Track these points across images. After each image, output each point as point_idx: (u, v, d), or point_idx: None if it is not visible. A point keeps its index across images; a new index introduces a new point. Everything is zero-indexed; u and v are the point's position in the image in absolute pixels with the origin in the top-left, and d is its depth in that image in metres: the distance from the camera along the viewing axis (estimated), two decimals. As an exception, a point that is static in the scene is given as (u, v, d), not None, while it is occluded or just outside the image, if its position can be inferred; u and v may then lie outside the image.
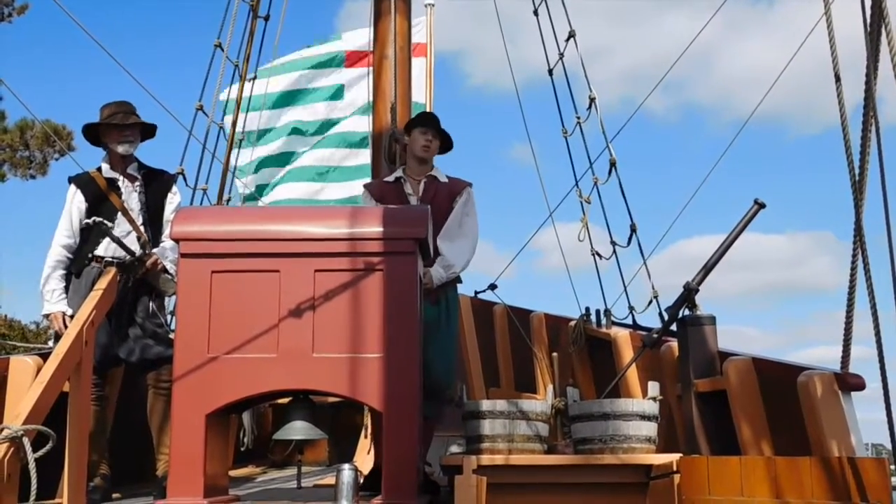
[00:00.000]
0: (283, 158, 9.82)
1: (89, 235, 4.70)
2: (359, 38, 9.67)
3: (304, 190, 9.72)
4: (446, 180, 4.81)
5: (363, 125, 9.39)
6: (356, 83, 9.63)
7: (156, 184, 4.99)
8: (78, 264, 4.73)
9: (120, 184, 4.86)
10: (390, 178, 4.83)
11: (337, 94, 9.86)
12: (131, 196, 4.87)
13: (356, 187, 8.41)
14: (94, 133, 4.93)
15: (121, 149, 4.85)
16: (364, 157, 9.32)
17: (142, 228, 4.79)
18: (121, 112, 4.88)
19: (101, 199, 4.77)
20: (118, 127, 4.84)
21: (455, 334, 4.75)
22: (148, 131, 5.03)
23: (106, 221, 4.61)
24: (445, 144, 4.88)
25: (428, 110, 5.29)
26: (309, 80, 9.83)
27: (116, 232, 4.73)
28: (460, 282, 4.81)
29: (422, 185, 4.74)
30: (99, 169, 4.88)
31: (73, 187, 4.82)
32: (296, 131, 9.80)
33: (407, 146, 4.87)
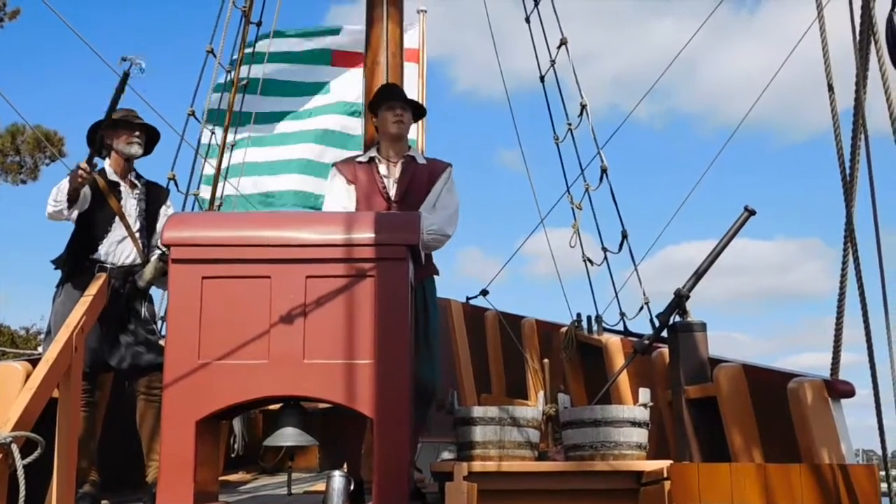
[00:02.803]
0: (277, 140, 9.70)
1: (85, 235, 4.67)
2: (355, 34, 9.63)
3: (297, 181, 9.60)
4: (424, 162, 4.64)
5: (348, 125, 9.41)
6: (340, 81, 9.63)
7: (154, 194, 4.99)
8: (73, 263, 4.68)
9: (121, 188, 4.83)
10: (363, 159, 4.63)
11: (324, 89, 9.83)
12: (129, 202, 4.83)
13: None
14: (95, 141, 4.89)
15: (132, 150, 4.81)
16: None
17: (137, 235, 4.78)
18: (131, 115, 4.87)
19: (99, 200, 4.72)
20: (129, 126, 4.81)
21: (437, 331, 4.60)
22: (148, 145, 5.01)
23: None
24: (416, 112, 4.70)
25: (390, 82, 5.02)
26: (293, 74, 9.77)
27: (111, 237, 4.71)
28: (437, 273, 4.70)
29: (399, 166, 4.56)
30: (100, 172, 4.85)
31: None
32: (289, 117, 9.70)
33: (377, 128, 4.67)
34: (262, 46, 8.24)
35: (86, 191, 4.62)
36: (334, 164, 4.74)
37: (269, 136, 9.52)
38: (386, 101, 4.61)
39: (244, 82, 7.82)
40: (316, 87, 9.76)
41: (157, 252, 4.74)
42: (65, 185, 4.56)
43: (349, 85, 9.46)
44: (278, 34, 9.08)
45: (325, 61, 9.81)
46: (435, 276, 4.71)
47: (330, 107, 9.62)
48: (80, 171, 4.47)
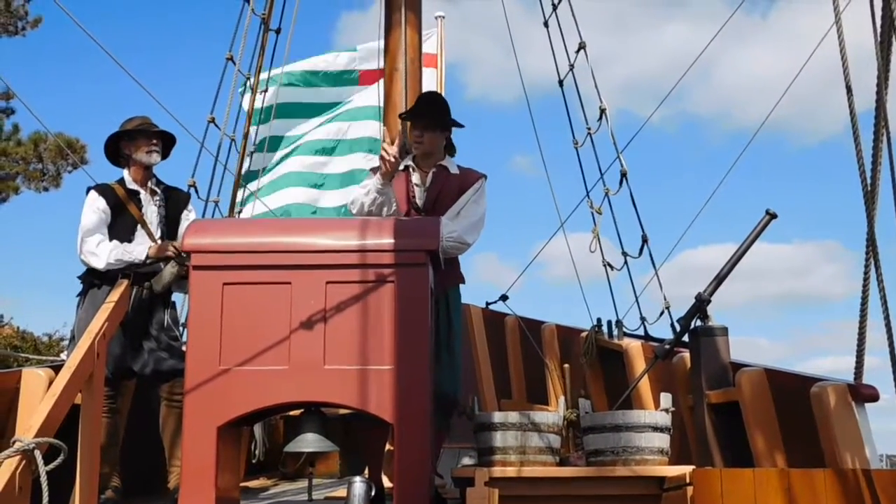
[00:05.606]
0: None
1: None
2: (373, 51, 9.69)
3: (304, 195, 9.63)
4: (457, 171, 4.59)
5: (364, 130, 9.45)
6: (363, 92, 9.67)
7: (174, 199, 5.02)
8: (97, 272, 4.70)
9: (141, 196, 4.87)
10: (400, 166, 4.57)
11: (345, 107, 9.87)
12: (150, 209, 4.88)
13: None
14: (113, 151, 4.94)
15: (151, 158, 4.85)
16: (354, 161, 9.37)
17: (159, 242, 4.80)
18: (146, 124, 4.91)
19: (120, 209, 4.76)
20: (147, 135, 4.85)
21: (460, 340, 4.57)
22: (165, 151, 5.04)
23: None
24: (448, 123, 4.60)
25: (428, 91, 4.96)
26: (320, 96, 9.82)
27: (134, 244, 4.74)
28: (463, 282, 4.66)
29: (430, 176, 4.55)
30: (120, 181, 4.89)
31: (93, 193, 4.79)
32: (306, 149, 9.73)
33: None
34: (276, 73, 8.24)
35: (106, 209, 4.71)
36: (372, 170, 4.68)
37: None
38: (409, 118, 4.59)
39: (263, 88, 7.85)
40: (341, 108, 9.83)
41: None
42: (133, 248, 4.68)
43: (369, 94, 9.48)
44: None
45: (353, 82, 9.85)
46: (460, 285, 4.67)
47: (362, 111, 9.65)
48: (171, 252, 4.64)
